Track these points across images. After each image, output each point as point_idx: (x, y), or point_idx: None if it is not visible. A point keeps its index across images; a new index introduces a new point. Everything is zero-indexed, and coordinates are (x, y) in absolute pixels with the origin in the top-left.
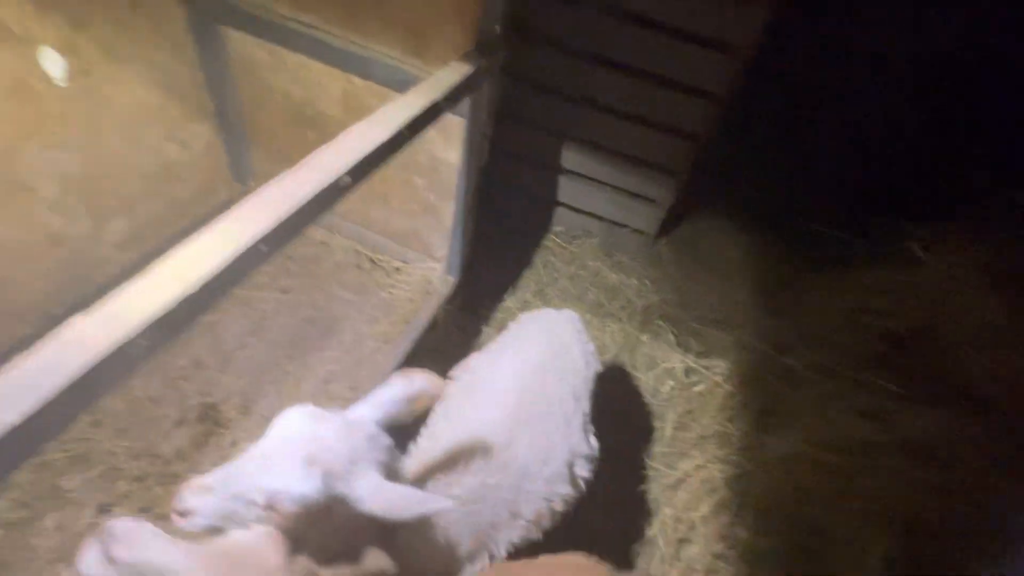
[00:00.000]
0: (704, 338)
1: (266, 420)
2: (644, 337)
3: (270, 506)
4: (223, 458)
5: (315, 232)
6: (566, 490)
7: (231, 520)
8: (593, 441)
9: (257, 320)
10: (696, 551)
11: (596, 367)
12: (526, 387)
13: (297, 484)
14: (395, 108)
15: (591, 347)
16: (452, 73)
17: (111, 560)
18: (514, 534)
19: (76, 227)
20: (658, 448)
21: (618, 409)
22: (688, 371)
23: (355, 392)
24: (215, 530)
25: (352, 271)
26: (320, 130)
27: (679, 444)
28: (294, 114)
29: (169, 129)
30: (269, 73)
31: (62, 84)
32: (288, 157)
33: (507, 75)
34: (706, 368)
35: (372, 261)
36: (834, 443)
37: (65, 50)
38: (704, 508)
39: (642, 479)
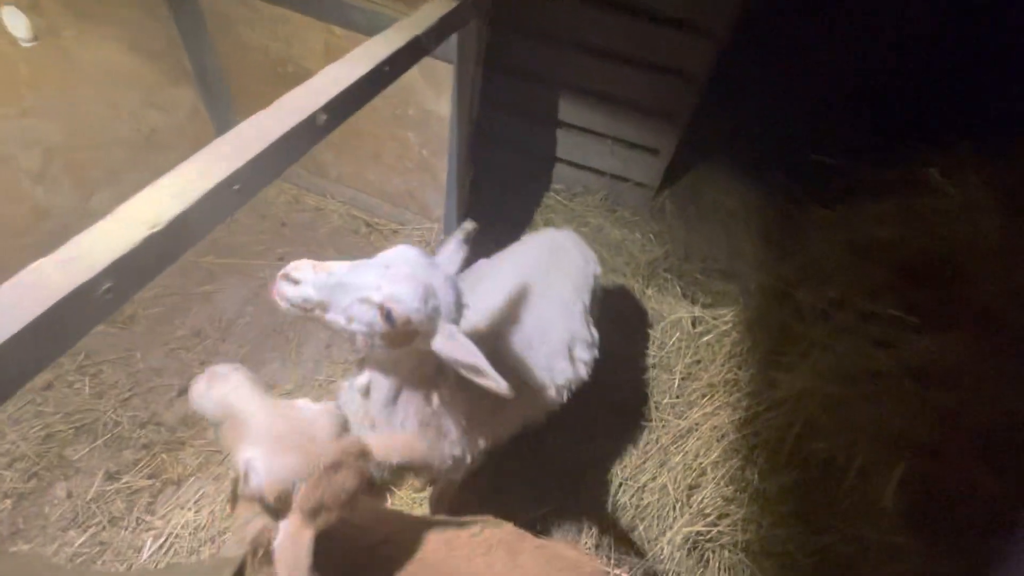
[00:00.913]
0: (710, 288)
1: (269, 387)
2: (649, 291)
3: (384, 306)
4: None
5: (310, 198)
6: (563, 366)
7: (326, 310)
8: (593, 331)
9: (255, 288)
10: (707, 495)
11: (595, 269)
12: (527, 274)
13: (415, 301)
14: (374, 45)
15: (591, 252)
16: (435, 8)
17: (206, 392)
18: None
19: (61, 199)
20: (667, 399)
21: (626, 364)
22: (695, 321)
23: (356, 354)
24: (302, 318)
25: (349, 236)
26: None
27: (688, 394)
28: (275, 72)
29: (148, 94)
30: (246, 28)
31: (28, 44)
32: None
33: (496, 23)
34: (713, 318)
35: (368, 225)
36: (843, 375)
37: (28, 8)
38: (713, 454)
39: (652, 430)
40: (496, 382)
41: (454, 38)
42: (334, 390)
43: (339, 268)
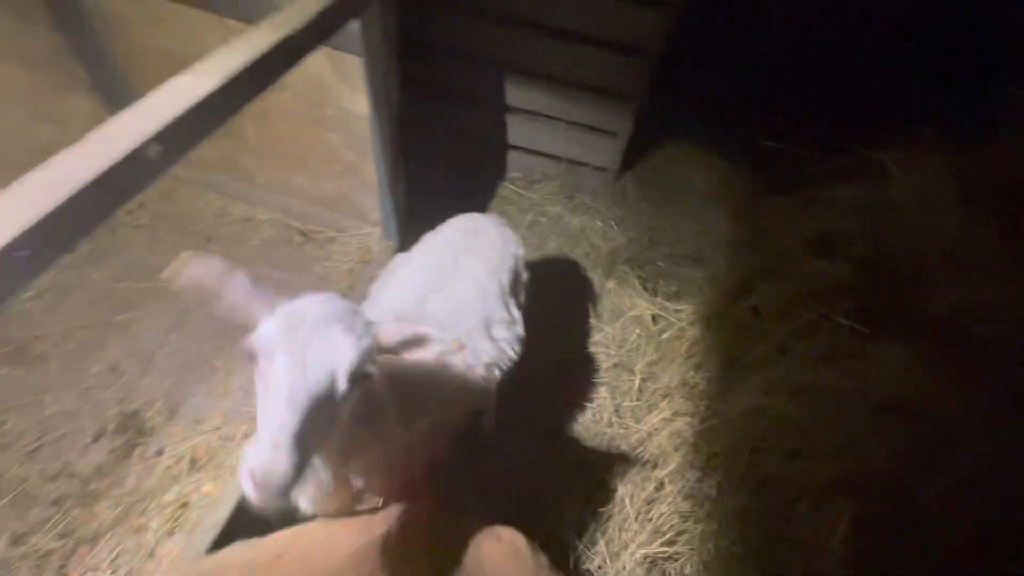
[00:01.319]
0: (673, 277)
1: (195, 423)
2: (610, 284)
3: (361, 376)
4: (148, 469)
5: (237, 207)
6: (485, 346)
7: (317, 446)
8: (513, 311)
9: (177, 315)
10: (664, 511)
11: (516, 250)
12: (437, 259)
13: (365, 341)
14: (231, 50)
15: (511, 233)
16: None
17: None
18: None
19: None
20: (627, 402)
21: (587, 364)
22: (655, 317)
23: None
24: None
25: (282, 247)
26: None
27: (647, 396)
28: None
29: (35, 106)
30: (140, 28)
31: None
32: None
33: (438, 1)
34: (674, 312)
35: (303, 234)
36: (797, 393)
37: None
38: (671, 465)
39: (613, 437)
40: (441, 341)
41: (358, 28)
42: None
43: (286, 413)
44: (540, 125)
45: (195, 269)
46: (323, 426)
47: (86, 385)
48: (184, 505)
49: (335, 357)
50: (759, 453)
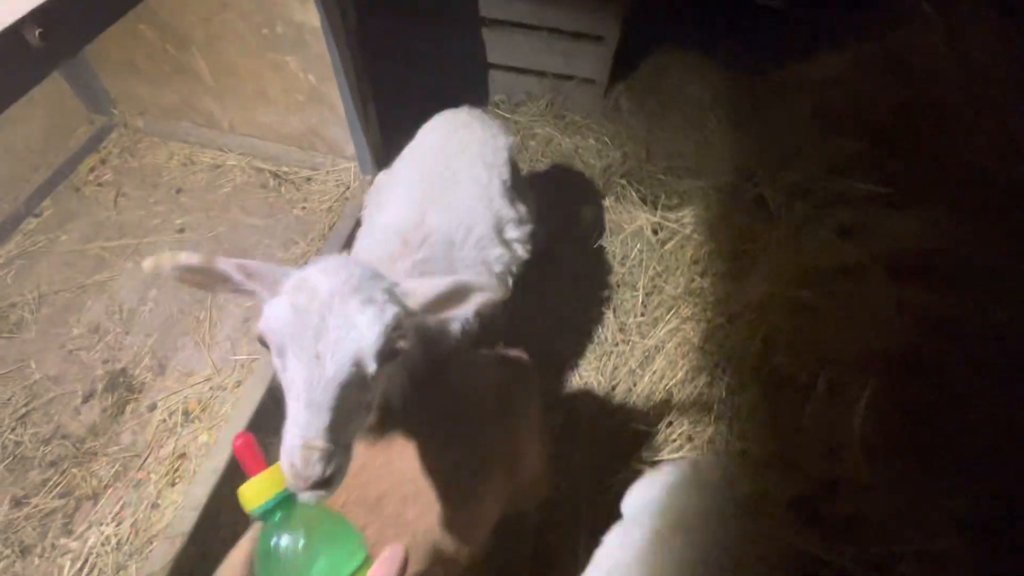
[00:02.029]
0: (672, 188)
1: (184, 375)
2: (607, 202)
3: (391, 352)
4: (142, 425)
5: (205, 155)
6: (498, 252)
7: (356, 428)
8: (521, 208)
9: None
10: (673, 420)
11: (507, 139)
12: (425, 167)
13: (389, 312)
14: None
15: (494, 122)
16: None
17: None
18: None
19: None
20: (632, 319)
21: (589, 287)
22: (656, 229)
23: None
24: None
25: (256, 192)
26: (156, 23)
27: (652, 310)
28: None
29: None
30: None
31: None
32: (135, 65)
33: None
34: (674, 221)
35: (277, 176)
36: (809, 276)
37: None
38: (680, 374)
39: (619, 354)
40: (485, 287)
41: None
42: (257, 368)
43: (310, 415)
44: (520, 37)
45: (181, 260)
46: (357, 412)
47: (69, 348)
48: (182, 456)
49: (356, 339)
50: (770, 344)
